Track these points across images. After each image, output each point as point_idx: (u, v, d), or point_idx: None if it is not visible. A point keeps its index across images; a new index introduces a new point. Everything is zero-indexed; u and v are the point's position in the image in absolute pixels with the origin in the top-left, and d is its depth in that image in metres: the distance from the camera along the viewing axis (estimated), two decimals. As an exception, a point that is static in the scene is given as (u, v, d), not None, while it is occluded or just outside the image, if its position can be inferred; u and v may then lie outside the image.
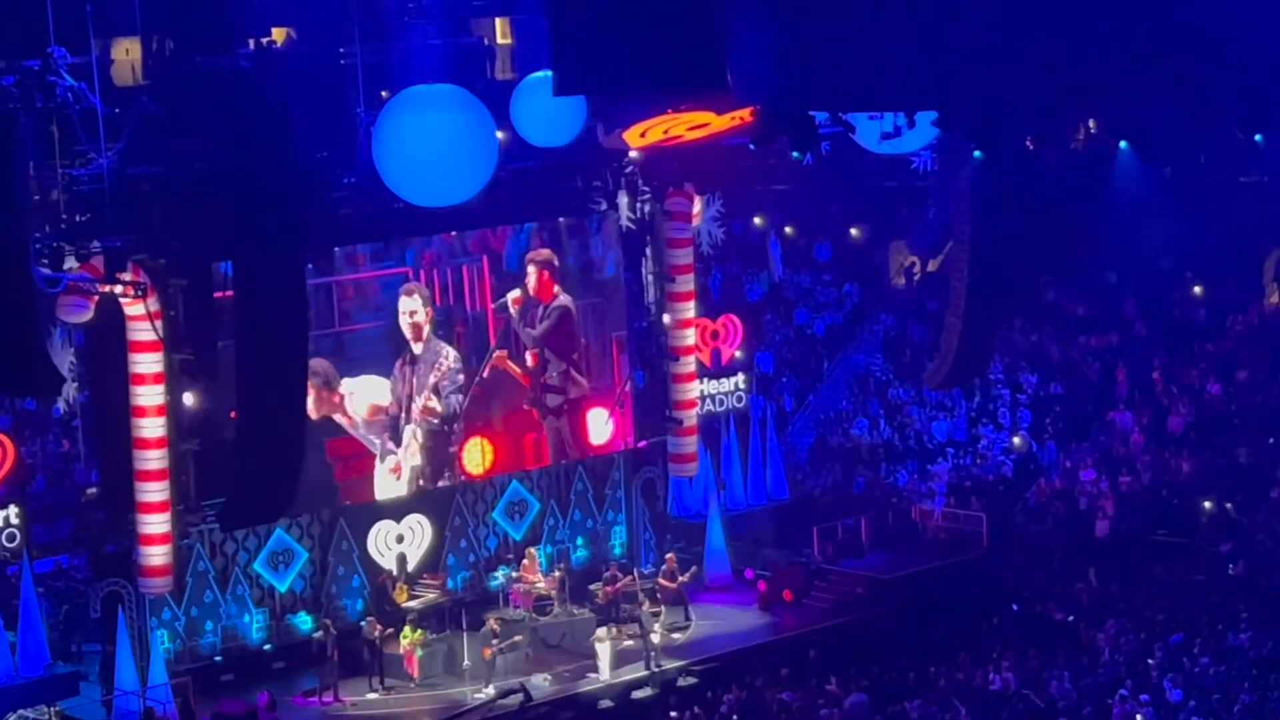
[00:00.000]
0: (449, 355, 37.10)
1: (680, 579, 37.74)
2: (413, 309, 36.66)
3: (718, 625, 37.93)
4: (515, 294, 37.80)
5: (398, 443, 36.66)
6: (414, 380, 36.82)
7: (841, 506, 41.96)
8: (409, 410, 36.80)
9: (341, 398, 36.07)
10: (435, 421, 37.02)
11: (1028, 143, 33.73)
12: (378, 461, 36.47)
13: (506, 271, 37.86)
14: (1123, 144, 36.13)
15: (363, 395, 36.35)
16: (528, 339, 38.00)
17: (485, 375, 37.52)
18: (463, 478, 37.40)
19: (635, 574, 38.00)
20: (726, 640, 37.19)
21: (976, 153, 33.05)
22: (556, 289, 38.32)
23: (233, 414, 31.70)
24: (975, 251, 34.68)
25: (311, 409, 34.04)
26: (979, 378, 42.58)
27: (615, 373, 39.09)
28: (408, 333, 36.66)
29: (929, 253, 47.37)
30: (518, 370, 38.00)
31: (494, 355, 37.64)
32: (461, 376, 37.17)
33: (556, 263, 38.23)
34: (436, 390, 36.96)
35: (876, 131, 34.72)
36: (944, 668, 35.01)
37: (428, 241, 36.97)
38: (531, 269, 38.06)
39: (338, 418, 35.98)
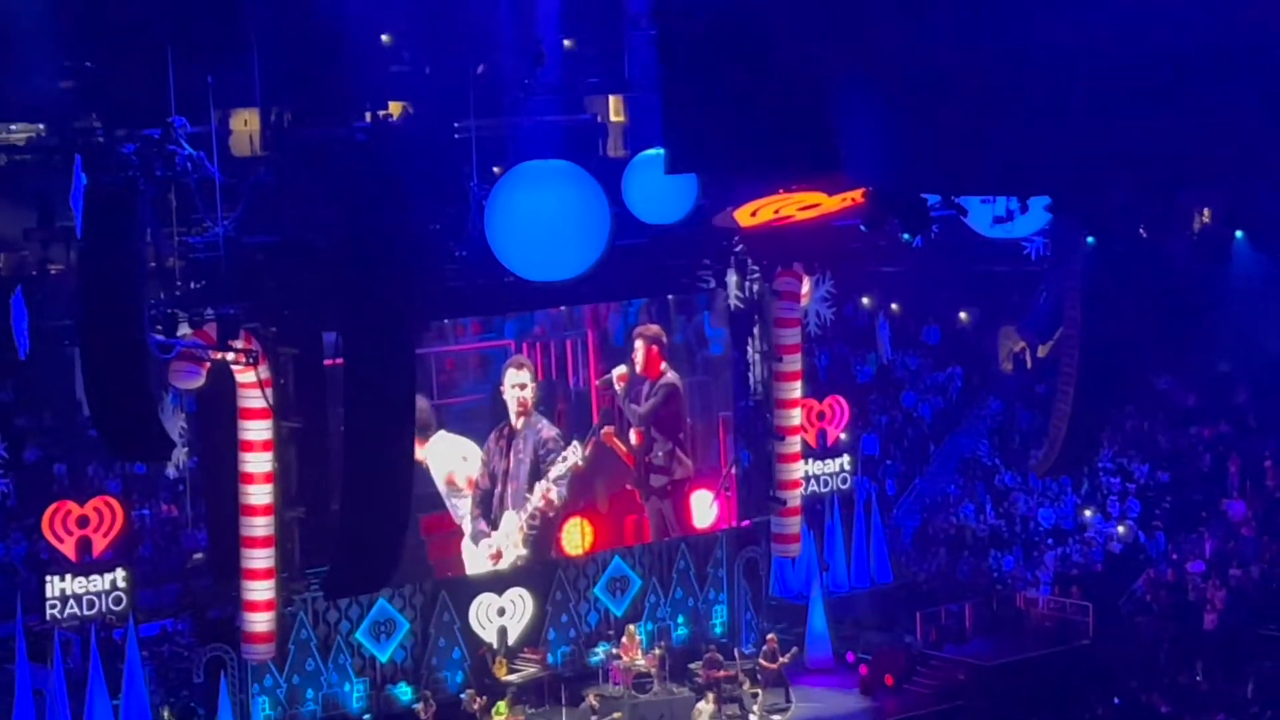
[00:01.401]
0: (549, 431, 36.90)
1: (781, 660, 37.51)
2: (521, 382, 36.60)
3: (818, 708, 37.62)
4: (621, 370, 37.73)
5: (490, 522, 36.37)
6: (511, 457, 36.59)
7: (945, 591, 41.62)
8: (505, 488, 36.49)
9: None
10: (551, 515, 36.88)
11: (1141, 230, 33.53)
12: (468, 540, 36.23)
13: (612, 347, 37.76)
14: (1239, 233, 35.80)
15: (445, 458, 36.13)
16: (633, 417, 37.89)
17: (588, 453, 37.30)
18: (559, 557, 37.38)
19: (737, 658, 37.80)
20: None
21: (1089, 239, 32.87)
22: (663, 366, 38.17)
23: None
24: (1086, 338, 34.45)
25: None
26: (1087, 466, 42.19)
27: (721, 453, 38.93)
28: (512, 407, 36.58)
29: (1039, 338, 47.01)
30: (623, 449, 37.86)
31: (600, 432, 37.50)
32: (565, 457, 36.89)
33: (665, 339, 38.13)
34: (537, 468, 36.58)
35: (989, 215, 34.62)
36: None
37: (531, 315, 36.91)
38: (639, 344, 37.96)
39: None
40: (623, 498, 37.99)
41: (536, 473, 36.73)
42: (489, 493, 36.51)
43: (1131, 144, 26.61)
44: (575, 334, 37.50)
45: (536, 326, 37.07)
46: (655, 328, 38.15)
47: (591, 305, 37.45)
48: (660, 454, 38.21)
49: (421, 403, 34.92)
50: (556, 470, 36.71)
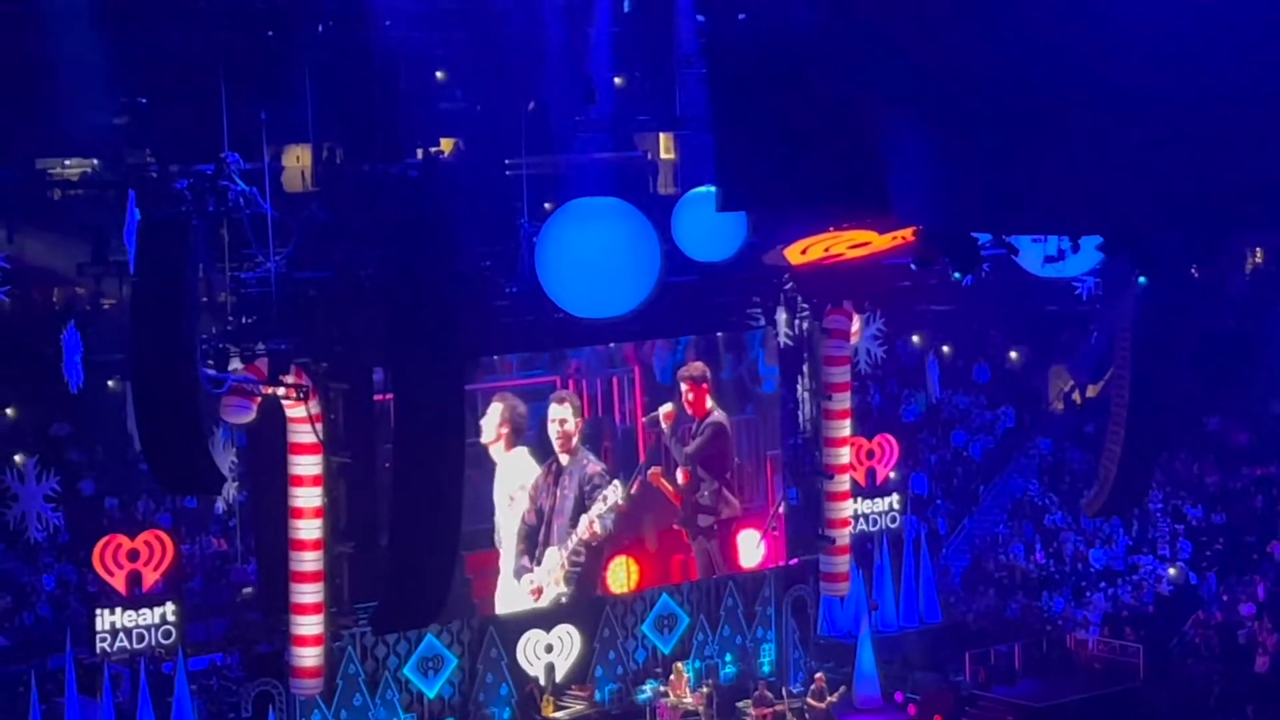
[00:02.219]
0: (594, 467, 36.73)
1: (829, 699, 37.38)
2: (563, 417, 36.46)
3: (866, 748, 37.57)
4: (668, 408, 37.56)
5: (534, 558, 36.27)
6: (557, 492, 36.39)
7: (995, 632, 41.44)
8: (549, 525, 36.33)
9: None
10: (596, 546, 36.70)
11: (1193, 270, 33.42)
12: (509, 576, 35.97)
13: (659, 384, 37.59)
14: (1290, 273, 35.73)
15: (509, 477, 36.06)
16: (680, 456, 37.73)
17: (634, 492, 37.10)
18: (604, 595, 37.33)
19: (785, 697, 37.70)
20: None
21: (1140, 278, 32.78)
22: (710, 404, 37.99)
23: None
24: (1137, 378, 34.32)
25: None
26: (1138, 506, 42.00)
27: (769, 492, 38.78)
28: (556, 442, 36.43)
29: (1090, 378, 46.94)
30: (670, 488, 37.69)
31: (647, 473, 37.27)
32: (605, 496, 36.60)
33: (710, 377, 37.90)
34: (582, 503, 36.37)
35: (1040, 254, 34.55)
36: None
37: (577, 350, 36.77)
38: (686, 383, 37.84)
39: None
40: (669, 536, 37.84)
41: (581, 508, 36.58)
42: (534, 528, 36.37)
43: (1184, 184, 26.50)
44: (620, 371, 37.36)
45: (580, 362, 36.87)
46: (701, 366, 37.89)
47: (635, 342, 37.28)
48: (707, 493, 38.04)
49: (520, 407, 35.49)
50: (598, 508, 36.55)
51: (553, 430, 36.47)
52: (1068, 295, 40.00)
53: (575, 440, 36.57)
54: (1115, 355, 36.00)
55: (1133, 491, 37.05)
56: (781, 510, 38.83)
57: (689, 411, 37.82)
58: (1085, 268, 36.03)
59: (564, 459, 36.57)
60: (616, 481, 36.70)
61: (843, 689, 38.09)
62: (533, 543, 36.35)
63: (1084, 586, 42.42)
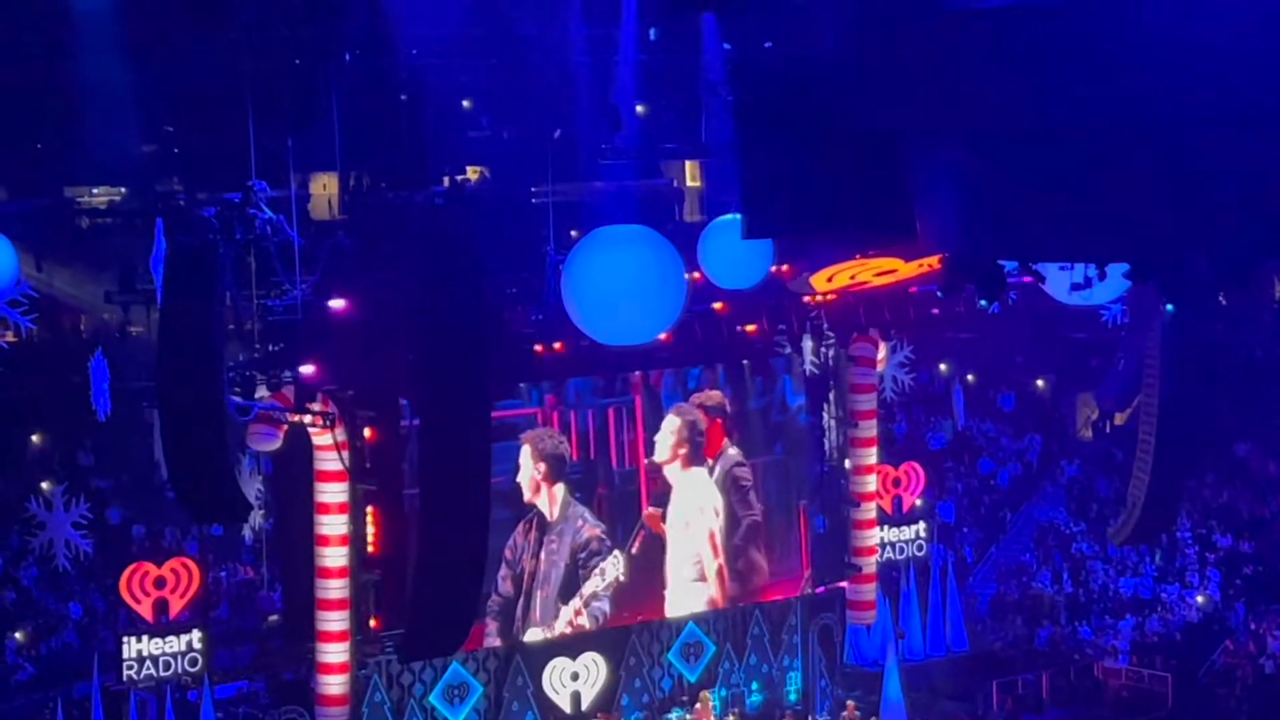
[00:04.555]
0: (592, 529, 34.83)
1: (857, 729, 37.33)
2: (531, 460, 34.58)
3: (893, 777, 37.41)
4: (654, 512, 35.32)
5: (509, 639, 34.84)
6: (542, 556, 34.50)
7: (1022, 660, 41.32)
8: (531, 598, 34.56)
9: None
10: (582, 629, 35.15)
11: (1220, 297, 33.34)
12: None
13: (664, 416, 36.09)
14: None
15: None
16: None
17: (634, 552, 35.50)
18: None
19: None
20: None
21: (1167, 306, 32.70)
22: (725, 442, 36.56)
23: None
24: (1165, 406, 34.23)
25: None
26: (1166, 534, 41.86)
27: (802, 548, 37.67)
28: (526, 490, 34.56)
29: (1117, 406, 46.79)
30: (668, 533, 36.00)
31: (644, 514, 35.45)
32: (603, 570, 34.94)
33: (729, 408, 36.45)
34: (575, 575, 34.41)
35: (1066, 282, 34.47)
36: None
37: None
38: (697, 414, 36.63)
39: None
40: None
41: (574, 582, 35.06)
42: (511, 602, 34.56)
43: (1211, 211, 26.48)
44: (619, 401, 35.68)
45: (570, 391, 34.75)
46: (717, 395, 36.30)
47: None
48: (723, 554, 36.51)
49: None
50: (592, 585, 34.85)
51: (524, 476, 34.51)
52: (1094, 323, 39.94)
53: (551, 490, 34.67)
54: (1143, 383, 35.92)
55: (1161, 519, 36.93)
56: (812, 588, 37.90)
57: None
58: (1112, 295, 35.94)
59: (550, 513, 34.96)
60: (617, 552, 35.35)
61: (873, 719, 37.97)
62: (509, 621, 34.89)
63: (1113, 614, 42.27)
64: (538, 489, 34.91)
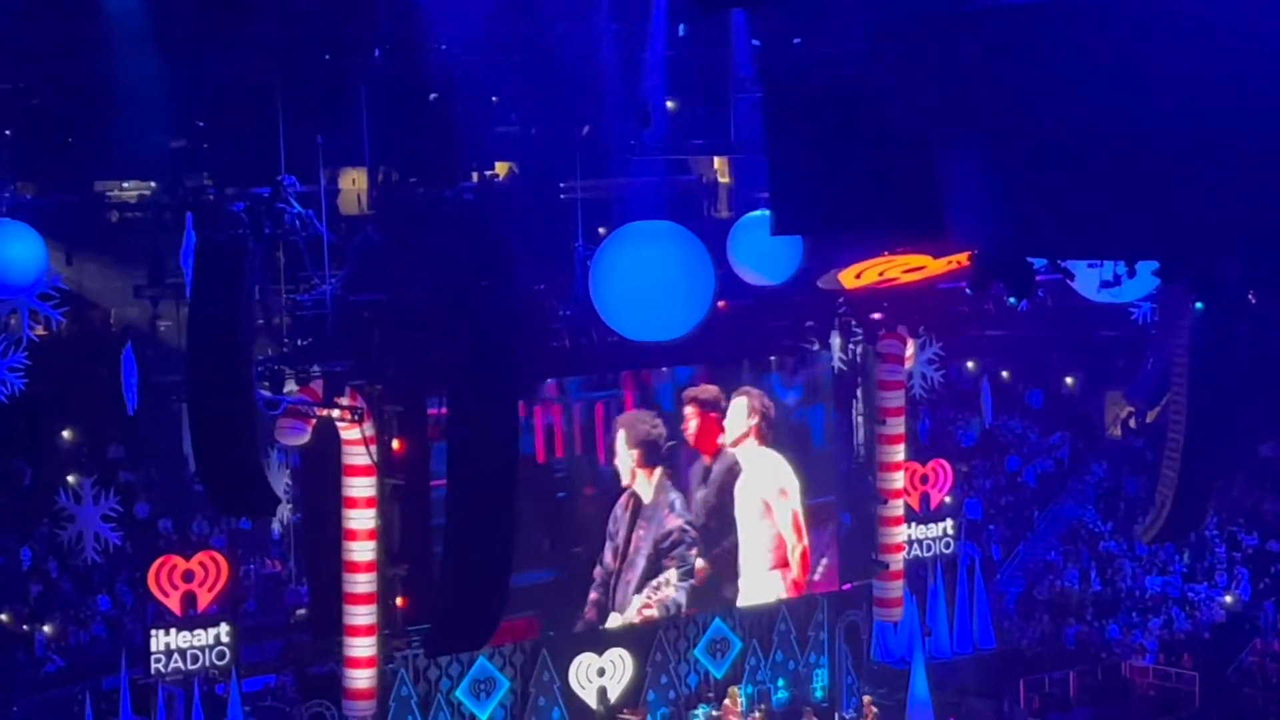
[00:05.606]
0: (674, 520, 35.29)
1: (870, 727, 37.30)
2: (626, 448, 35.33)
3: (919, 774, 37.39)
4: (744, 416, 35.41)
5: (614, 603, 35.60)
6: (632, 539, 35.14)
7: (1050, 658, 41.25)
8: (620, 572, 35.30)
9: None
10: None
11: (1250, 295, 33.21)
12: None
13: (661, 412, 35.70)
14: (1350, 299, 35.44)
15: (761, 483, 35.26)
16: (694, 508, 35.91)
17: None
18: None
19: (838, 718, 37.62)
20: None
21: (1197, 304, 32.60)
22: (722, 439, 36.13)
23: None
24: (1194, 404, 34.13)
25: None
26: (1195, 533, 41.75)
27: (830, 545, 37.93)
28: (624, 475, 35.13)
29: (1146, 404, 46.70)
30: None
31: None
32: (692, 557, 35.55)
33: (724, 404, 36.03)
34: (658, 563, 35.19)
35: (1095, 280, 34.37)
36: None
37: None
38: (690, 410, 36.01)
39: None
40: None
41: (653, 570, 35.60)
42: (611, 575, 35.36)
43: (1241, 209, 26.37)
44: (607, 395, 35.29)
45: (549, 383, 34.35)
46: (713, 390, 35.91)
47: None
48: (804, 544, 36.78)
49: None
50: (668, 575, 35.31)
51: (620, 461, 35.08)
52: (1124, 320, 39.83)
53: (646, 473, 35.19)
54: (1172, 381, 35.82)
55: (1189, 518, 36.81)
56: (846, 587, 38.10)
57: (694, 446, 36.09)
58: (1141, 293, 35.85)
59: (646, 496, 35.33)
60: (697, 545, 35.68)
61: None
62: (609, 592, 35.64)
63: (1140, 613, 42.18)
64: (634, 474, 35.25)
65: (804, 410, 37.90)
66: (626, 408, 35.26)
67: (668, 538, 35.73)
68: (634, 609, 35.77)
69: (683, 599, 36.19)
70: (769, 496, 36.47)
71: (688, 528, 35.78)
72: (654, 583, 35.65)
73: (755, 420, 35.42)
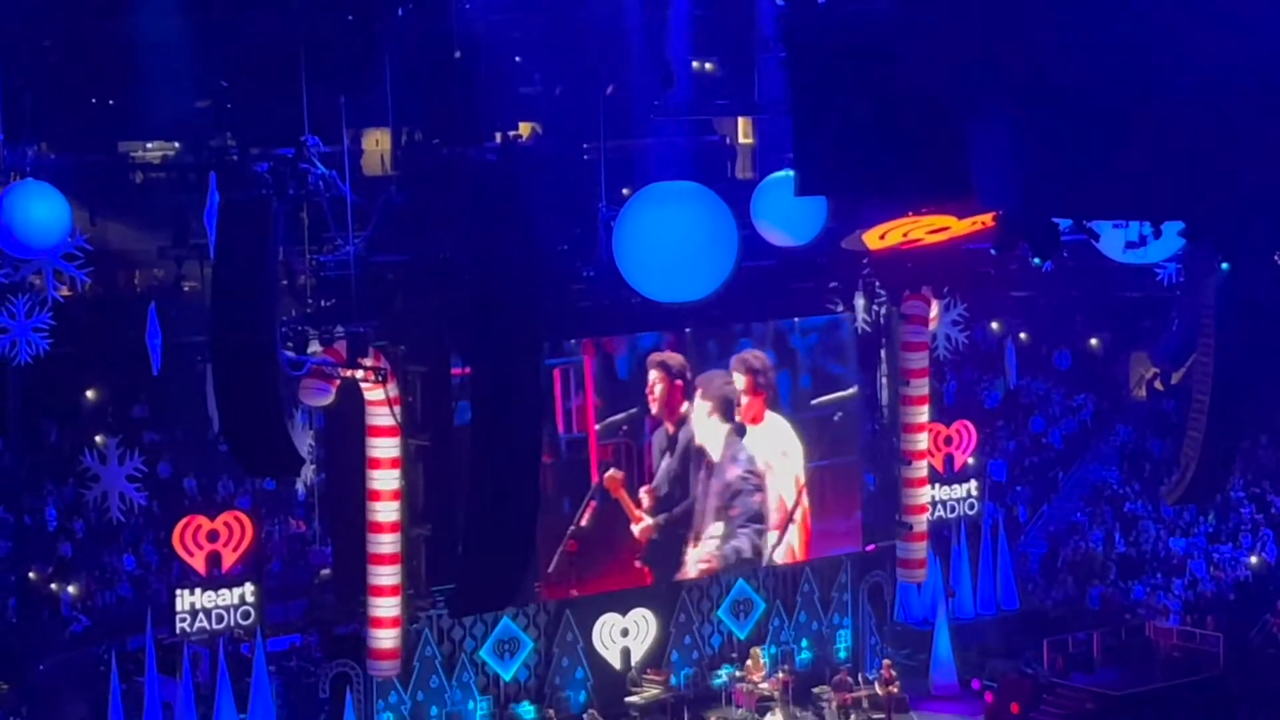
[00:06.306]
0: (737, 470, 36.04)
1: (890, 688, 37.20)
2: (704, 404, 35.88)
3: (943, 735, 37.46)
4: (615, 474, 35.08)
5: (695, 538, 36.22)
6: (701, 494, 35.87)
7: (1073, 619, 41.20)
8: (692, 515, 35.99)
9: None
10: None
11: (1276, 256, 33.08)
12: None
13: (618, 380, 35.36)
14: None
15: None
16: (662, 476, 35.83)
17: (584, 523, 34.95)
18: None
19: (861, 683, 37.62)
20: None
21: (1223, 265, 32.48)
22: (686, 407, 35.84)
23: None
24: (1219, 365, 34.04)
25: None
26: (1219, 494, 41.65)
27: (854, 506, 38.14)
28: (698, 433, 35.71)
29: (1172, 365, 46.52)
30: (629, 502, 35.49)
31: (605, 476, 35.00)
32: (758, 502, 36.23)
33: (689, 374, 35.77)
34: (726, 514, 35.94)
35: (1121, 240, 34.29)
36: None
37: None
38: (655, 374, 35.66)
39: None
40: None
41: (717, 523, 36.28)
42: (685, 530, 35.91)
43: (1267, 169, 26.26)
44: (566, 362, 34.75)
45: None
46: (678, 358, 35.61)
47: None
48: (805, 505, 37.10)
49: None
50: (730, 528, 35.95)
51: (696, 417, 35.57)
52: (1149, 281, 39.69)
53: (718, 430, 35.74)
54: (1198, 342, 35.72)
55: (1214, 479, 36.73)
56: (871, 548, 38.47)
57: (657, 414, 35.73)
58: (1167, 254, 35.75)
59: (715, 454, 35.79)
60: (762, 495, 36.21)
61: (899, 682, 37.79)
62: (675, 544, 36.06)
63: (1165, 574, 42.12)
64: (707, 431, 35.63)
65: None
66: (586, 375, 34.75)
67: (729, 488, 36.22)
68: (695, 561, 36.23)
69: (746, 546, 36.63)
70: (771, 458, 36.44)
71: (748, 475, 36.27)
72: (721, 534, 36.22)
73: (759, 390, 35.63)
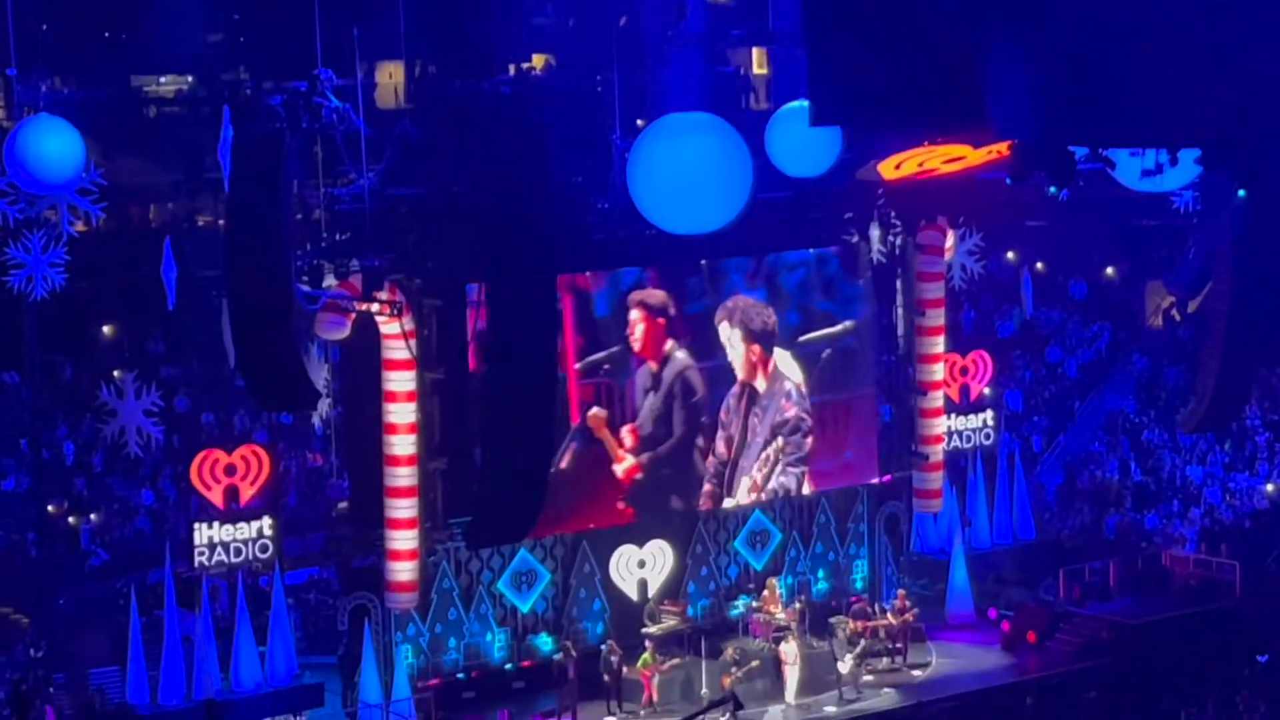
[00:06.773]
0: (793, 409, 36.44)
1: (905, 617, 37.27)
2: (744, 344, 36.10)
3: (959, 664, 37.46)
4: (599, 413, 35.00)
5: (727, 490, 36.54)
6: (747, 426, 36.03)
7: (1089, 548, 41.24)
8: (735, 461, 36.20)
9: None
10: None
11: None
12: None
13: (596, 319, 35.13)
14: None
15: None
16: (646, 414, 35.63)
17: (564, 465, 34.75)
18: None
19: (877, 613, 37.70)
20: (968, 679, 36.73)
21: (1240, 192, 32.34)
22: (670, 345, 35.58)
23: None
24: (1236, 293, 33.96)
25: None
26: (1235, 422, 41.61)
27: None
28: (740, 370, 36.08)
29: (1188, 293, 46.39)
30: (612, 441, 35.32)
31: (589, 414, 34.83)
32: (807, 444, 36.55)
33: (672, 310, 35.51)
34: (773, 457, 36.25)
35: (1137, 168, 34.11)
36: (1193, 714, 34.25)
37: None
38: (636, 314, 35.40)
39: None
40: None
41: (768, 454, 36.55)
42: (724, 465, 36.11)
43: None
44: None
45: (475, 288, 32.57)
46: (660, 295, 35.33)
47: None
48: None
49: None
50: (783, 461, 36.28)
51: (734, 355, 35.85)
52: (1166, 209, 39.54)
53: (763, 365, 36.00)
54: (1214, 270, 35.61)
55: (1230, 407, 36.72)
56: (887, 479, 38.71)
57: (639, 353, 35.49)
58: (1184, 181, 35.56)
59: (759, 383, 35.82)
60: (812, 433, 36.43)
61: (915, 610, 37.82)
62: (722, 481, 36.39)
63: (1180, 503, 42.13)
64: (753, 368, 35.90)
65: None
66: (565, 314, 34.28)
67: (785, 424, 36.51)
68: (744, 490, 36.58)
69: (792, 483, 36.97)
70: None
71: (805, 416, 36.50)
72: (769, 468, 36.48)
73: (756, 346, 35.75)
